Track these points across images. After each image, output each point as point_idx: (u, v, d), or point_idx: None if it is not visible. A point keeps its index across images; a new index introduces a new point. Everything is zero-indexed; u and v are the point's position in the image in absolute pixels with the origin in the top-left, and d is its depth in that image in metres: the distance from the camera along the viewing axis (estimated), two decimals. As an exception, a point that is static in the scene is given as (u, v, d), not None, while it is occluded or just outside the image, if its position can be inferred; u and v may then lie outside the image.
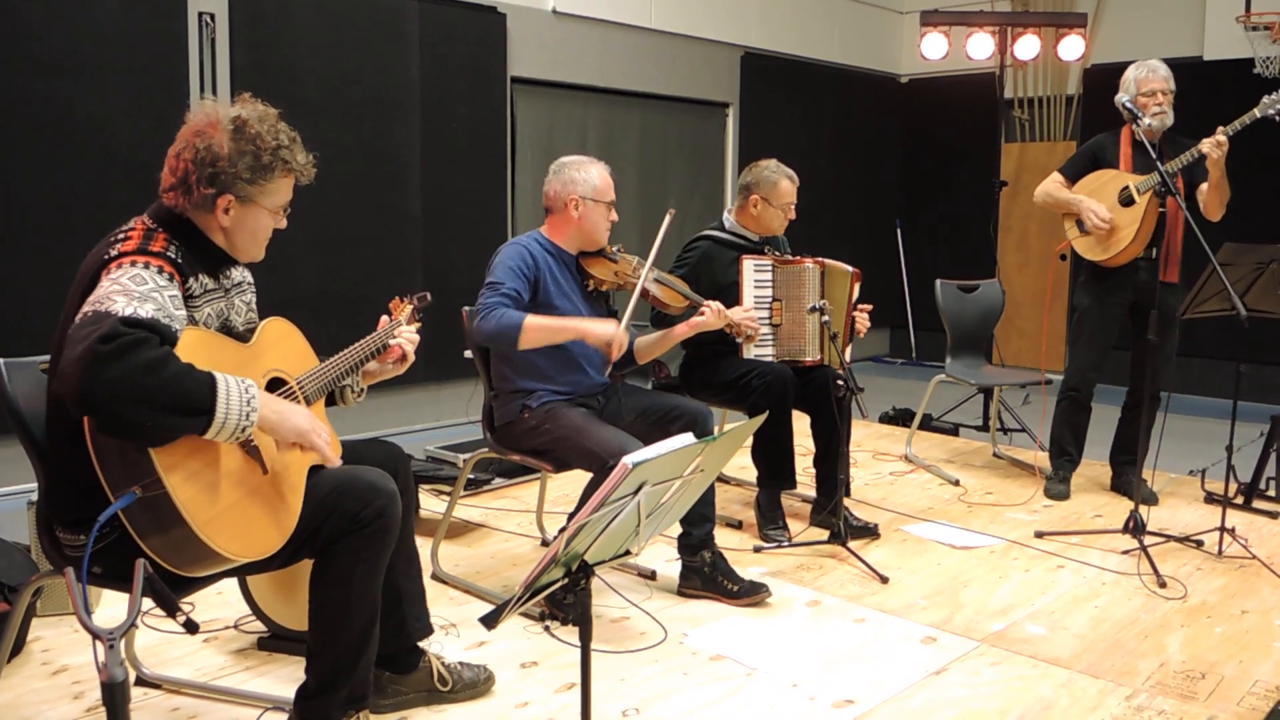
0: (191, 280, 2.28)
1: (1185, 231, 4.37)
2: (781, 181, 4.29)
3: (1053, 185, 4.80)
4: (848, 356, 4.15)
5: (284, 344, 2.52)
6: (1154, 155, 4.07)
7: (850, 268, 4.22)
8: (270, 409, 2.18)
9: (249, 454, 2.24)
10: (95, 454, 2.07)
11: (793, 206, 4.34)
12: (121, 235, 2.26)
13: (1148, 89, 4.50)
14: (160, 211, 2.35)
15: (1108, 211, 4.55)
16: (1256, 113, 4.26)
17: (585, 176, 3.58)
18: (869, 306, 4.27)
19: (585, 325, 3.41)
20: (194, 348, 2.11)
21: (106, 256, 2.19)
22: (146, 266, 2.15)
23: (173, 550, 2.11)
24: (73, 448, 2.14)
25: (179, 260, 2.25)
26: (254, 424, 2.11)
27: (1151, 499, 4.77)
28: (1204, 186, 4.44)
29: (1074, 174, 4.77)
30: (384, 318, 2.74)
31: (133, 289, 2.09)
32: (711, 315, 3.70)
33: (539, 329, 3.35)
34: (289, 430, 2.23)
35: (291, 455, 2.35)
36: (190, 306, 2.26)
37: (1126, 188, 4.54)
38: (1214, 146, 4.20)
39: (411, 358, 2.75)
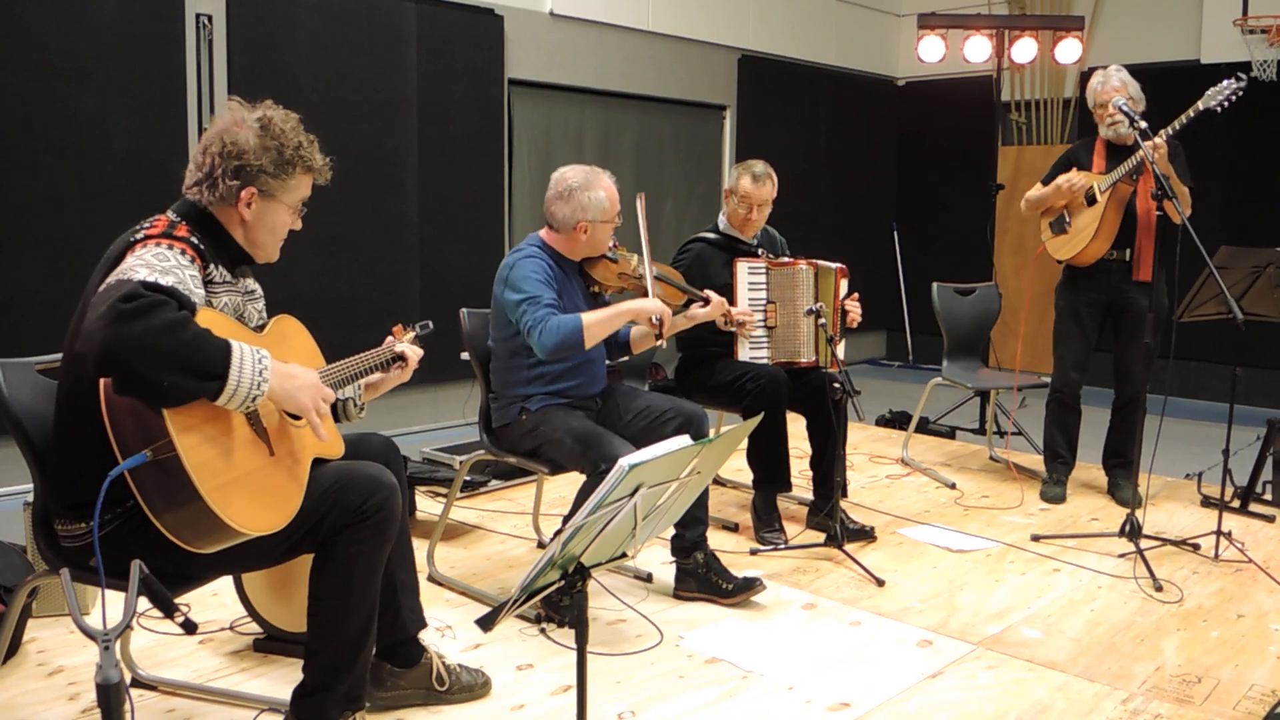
0: (211, 267, 2.36)
1: (1159, 231, 4.39)
2: (741, 179, 4.28)
3: (1032, 191, 4.90)
4: (842, 352, 4.14)
5: (295, 340, 2.59)
6: (1140, 153, 4.12)
7: (833, 264, 4.23)
8: (280, 381, 2.22)
9: (256, 432, 2.26)
10: (109, 417, 2.11)
11: (756, 206, 4.28)
12: (146, 224, 2.33)
13: (1101, 100, 4.55)
14: (184, 206, 2.42)
15: (1081, 180, 4.63)
16: (1200, 105, 4.28)
17: (594, 199, 3.52)
18: (856, 295, 4.27)
19: (634, 305, 3.46)
20: (209, 326, 2.14)
21: (131, 240, 2.26)
22: (170, 247, 2.23)
23: (182, 522, 2.12)
24: (81, 428, 2.19)
25: (201, 247, 2.32)
26: (264, 393, 2.16)
27: (1137, 501, 4.77)
28: None
29: (1051, 181, 4.82)
30: (388, 338, 2.78)
31: (155, 264, 2.16)
32: (713, 308, 3.75)
33: (598, 323, 3.40)
34: (294, 405, 2.27)
35: (299, 440, 2.38)
36: (209, 293, 2.33)
37: (1091, 187, 4.61)
38: (1150, 150, 4.21)
39: (414, 365, 2.79)
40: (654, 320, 3.44)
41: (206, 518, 2.10)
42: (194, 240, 2.30)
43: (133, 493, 2.11)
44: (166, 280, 2.12)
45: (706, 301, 3.78)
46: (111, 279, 2.12)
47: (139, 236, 2.26)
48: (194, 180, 2.41)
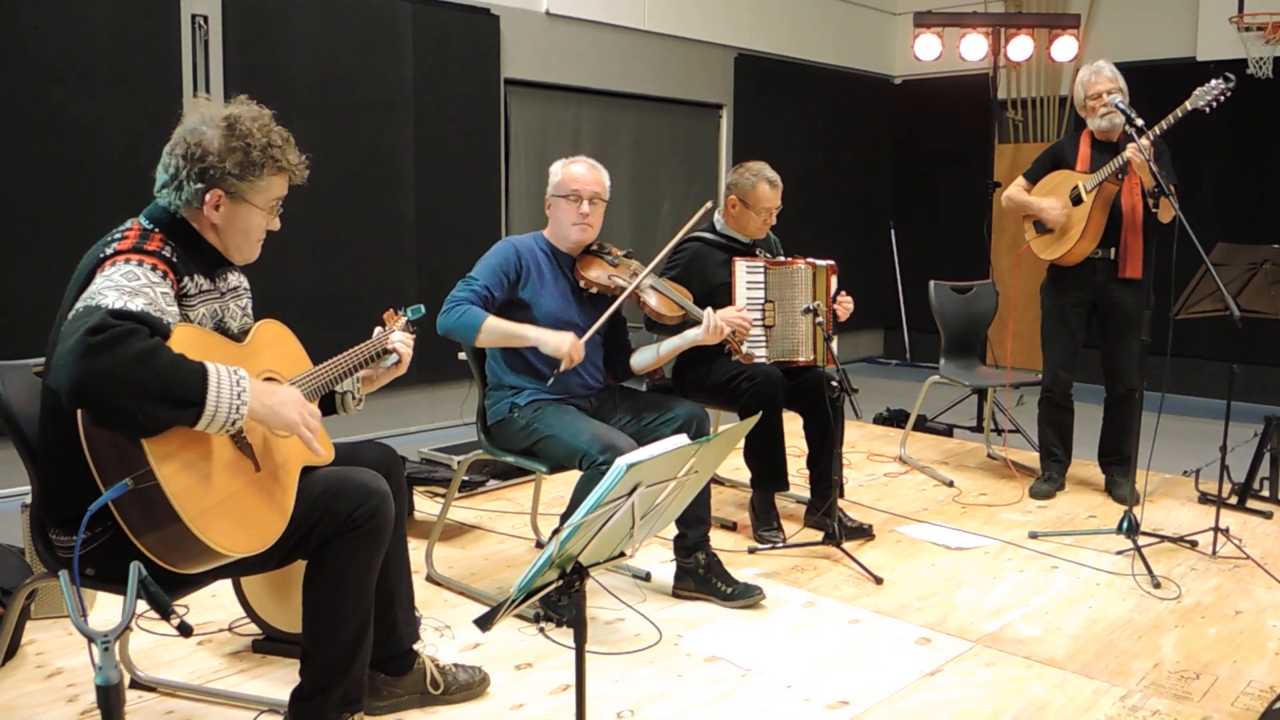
0: (186, 280, 2.30)
1: (1145, 228, 4.41)
2: (759, 186, 4.26)
3: (1014, 189, 4.92)
4: (835, 348, 4.14)
5: (278, 345, 2.53)
6: (1138, 148, 4.11)
7: (823, 262, 4.24)
8: (260, 400, 2.18)
9: (241, 449, 2.24)
10: (88, 447, 2.08)
11: (773, 211, 4.31)
12: (118, 235, 2.29)
13: (1094, 91, 4.57)
14: (156, 212, 2.37)
15: (1060, 211, 4.66)
16: (1188, 105, 4.29)
17: (552, 175, 3.65)
18: (845, 292, 4.27)
19: (540, 335, 3.45)
20: (188, 344, 2.12)
21: (102, 255, 2.21)
22: (140, 264, 2.18)
23: (166, 546, 2.11)
24: (66, 445, 2.15)
25: (174, 260, 2.27)
26: (244, 416, 2.12)
27: (1134, 498, 4.77)
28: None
29: (1035, 177, 4.88)
30: (378, 329, 2.76)
31: (124, 284, 2.11)
32: (705, 332, 3.69)
33: (496, 332, 3.44)
34: (278, 422, 2.24)
35: (286, 451, 2.36)
36: (185, 306, 2.28)
37: (1076, 187, 4.62)
38: (1135, 152, 4.21)
39: (408, 360, 2.77)
40: (562, 360, 3.41)
41: (191, 542, 2.08)
42: (165, 253, 2.25)
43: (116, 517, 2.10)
44: (136, 303, 2.07)
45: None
46: (80, 305, 2.07)
47: (109, 251, 2.20)
48: (162, 183, 2.36)
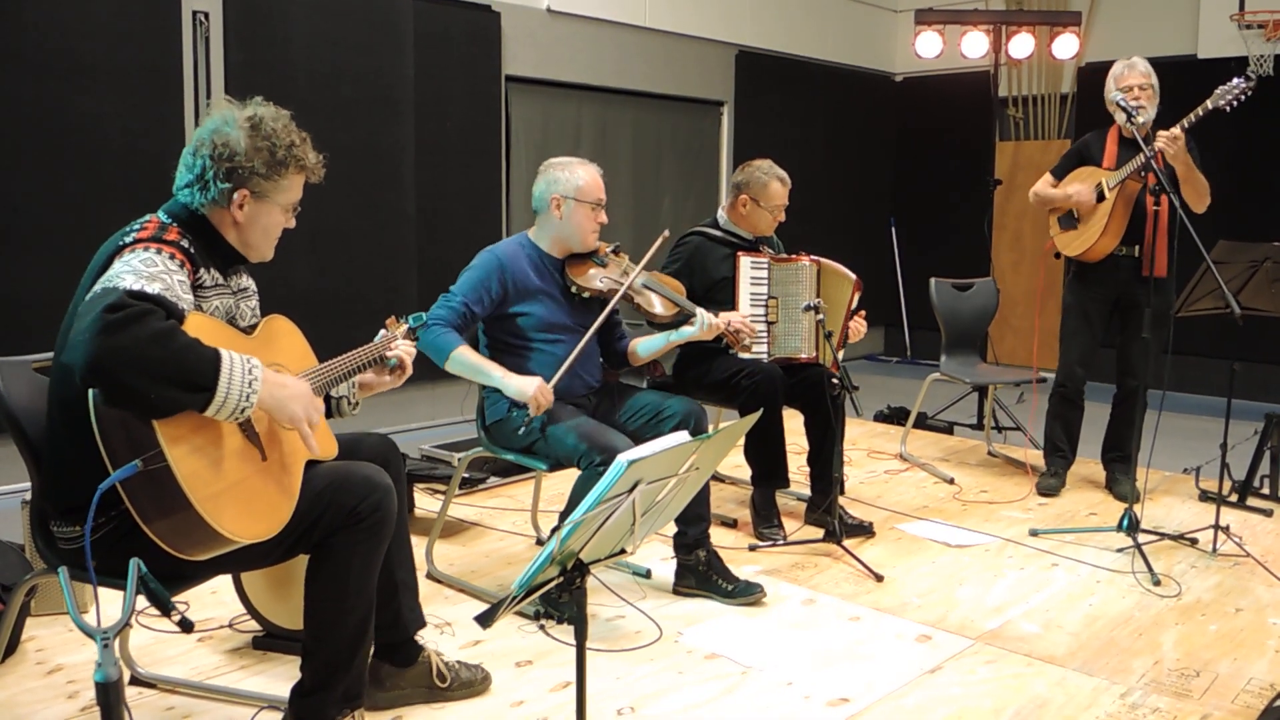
0: (203, 271, 2.33)
1: (1173, 226, 4.40)
2: (772, 184, 4.28)
3: (1041, 184, 4.91)
4: (840, 356, 4.15)
5: (286, 340, 2.56)
6: (1144, 149, 4.10)
7: (852, 275, 4.22)
8: (270, 392, 2.19)
9: (248, 438, 2.25)
10: (98, 428, 2.09)
11: (783, 209, 4.33)
12: (137, 226, 2.32)
13: (1124, 84, 4.54)
14: (175, 208, 2.40)
15: (1088, 193, 4.63)
16: (1209, 104, 4.28)
17: (569, 176, 3.56)
18: (863, 312, 4.27)
19: (505, 379, 3.36)
20: (200, 332, 2.13)
21: (121, 243, 2.24)
22: (159, 252, 2.21)
23: (174, 531, 2.11)
24: (73, 432, 2.17)
25: (191, 251, 2.30)
26: (253, 405, 2.13)
27: (1134, 495, 4.77)
28: None
29: (1062, 173, 4.86)
30: (382, 331, 2.77)
31: (142, 270, 2.14)
32: (699, 330, 3.65)
33: (461, 365, 3.39)
34: (284, 415, 2.25)
35: (292, 443, 2.37)
36: (199, 297, 2.31)
37: (1100, 184, 4.60)
38: (1168, 142, 4.21)
39: (409, 369, 2.78)
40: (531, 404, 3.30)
41: (198, 527, 2.09)
42: (184, 244, 2.28)
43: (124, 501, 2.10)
44: (153, 287, 2.10)
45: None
46: (98, 287, 2.10)
47: (129, 240, 2.24)
48: (185, 182, 2.39)
